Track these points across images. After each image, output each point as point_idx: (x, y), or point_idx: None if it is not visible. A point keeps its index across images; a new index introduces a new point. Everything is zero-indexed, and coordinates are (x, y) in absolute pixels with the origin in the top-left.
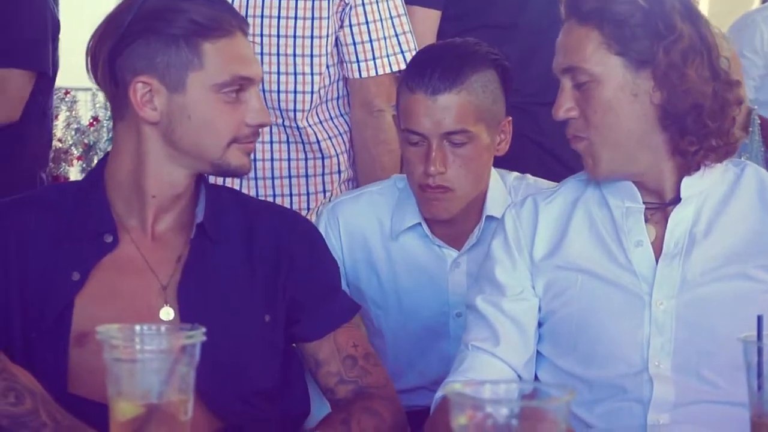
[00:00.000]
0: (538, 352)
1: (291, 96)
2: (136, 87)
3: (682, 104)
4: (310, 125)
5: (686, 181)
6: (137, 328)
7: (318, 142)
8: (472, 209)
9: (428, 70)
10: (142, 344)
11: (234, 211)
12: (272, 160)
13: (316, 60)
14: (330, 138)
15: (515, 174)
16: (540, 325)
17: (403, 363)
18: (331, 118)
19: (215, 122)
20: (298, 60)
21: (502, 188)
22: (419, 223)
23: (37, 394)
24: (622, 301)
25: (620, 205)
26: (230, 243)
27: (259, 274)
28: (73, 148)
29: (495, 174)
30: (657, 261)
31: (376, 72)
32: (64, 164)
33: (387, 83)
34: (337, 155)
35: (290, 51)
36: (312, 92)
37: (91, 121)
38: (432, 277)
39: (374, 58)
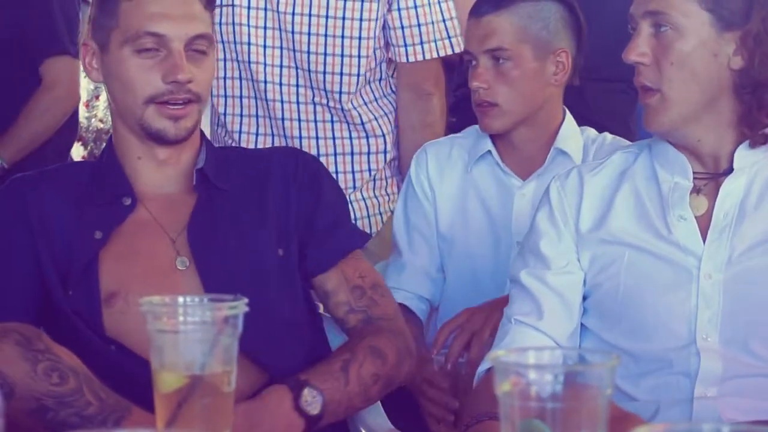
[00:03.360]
0: (582, 325)
1: (337, 78)
2: (84, 50)
3: (763, 75)
4: (354, 107)
5: (740, 152)
6: (180, 299)
7: (362, 123)
8: (542, 142)
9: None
10: (185, 315)
11: (241, 162)
12: (317, 138)
13: (363, 43)
14: (375, 119)
15: (593, 131)
16: (585, 298)
17: (460, 297)
18: (376, 99)
19: (131, 80)
20: (346, 42)
21: (575, 129)
22: (490, 152)
23: (80, 373)
24: (670, 274)
25: (669, 180)
26: (239, 189)
27: (269, 212)
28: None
29: (570, 118)
30: (704, 233)
31: (424, 57)
32: (104, 144)
33: (434, 67)
34: (384, 135)
35: (338, 32)
36: (358, 75)
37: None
38: (498, 206)
39: (422, 43)
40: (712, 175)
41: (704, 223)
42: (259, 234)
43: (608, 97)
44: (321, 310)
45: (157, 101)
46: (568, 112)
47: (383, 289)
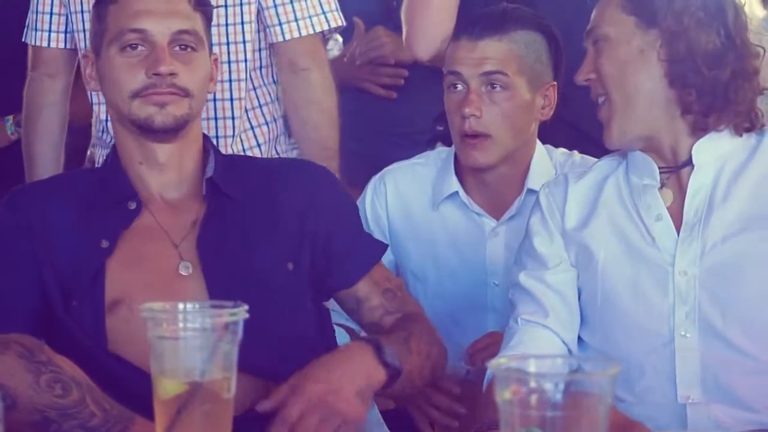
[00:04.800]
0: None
1: (225, 66)
2: (84, 62)
3: (681, 55)
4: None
5: (699, 145)
6: (180, 306)
7: (246, 111)
8: (513, 180)
9: (474, 20)
10: (185, 322)
11: (253, 171)
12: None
13: (247, 27)
14: (259, 106)
15: (562, 150)
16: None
17: (440, 334)
18: (255, 88)
19: (117, 77)
20: (230, 29)
21: (547, 162)
22: (457, 192)
23: (83, 384)
24: (645, 274)
25: (639, 182)
26: (249, 199)
27: (281, 225)
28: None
29: (541, 148)
30: (676, 228)
31: (300, 33)
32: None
33: (311, 43)
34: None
35: (222, 21)
36: (246, 60)
37: (108, 109)
38: (470, 247)
39: (296, 20)
40: (673, 168)
41: (673, 216)
42: (270, 246)
43: (593, 103)
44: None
45: (141, 94)
46: (538, 142)
47: (404, 287)
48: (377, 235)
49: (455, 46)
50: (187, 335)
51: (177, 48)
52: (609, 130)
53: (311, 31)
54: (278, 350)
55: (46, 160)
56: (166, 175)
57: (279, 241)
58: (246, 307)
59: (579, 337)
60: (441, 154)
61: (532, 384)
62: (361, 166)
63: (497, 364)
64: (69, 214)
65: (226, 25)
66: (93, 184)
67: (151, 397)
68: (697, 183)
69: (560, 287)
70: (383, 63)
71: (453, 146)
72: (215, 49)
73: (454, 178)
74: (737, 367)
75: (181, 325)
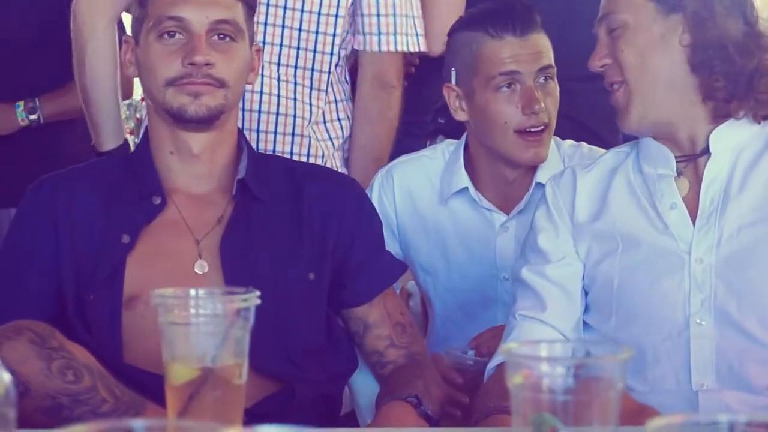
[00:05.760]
0: (584, 322)
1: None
2: (124, 47)
3: (709, 42)
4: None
5: (716, 133)
6: (192, 292)
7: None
8: (525, 173)
9: (508, 16)
10: (197, 308)
11: (281, 174)
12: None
13: (340, 21)
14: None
15: (570, 142)
16: (585, 294)
17: (451, 328)
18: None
19: (153, 65)
20: (322, 19)
21: (556, 155)
22: (467, 188)
23: (94, 370)
24: (661, 262)
25: (653, 172)
26: (277, 203)
27: (305, 233)
28: (124, 122)
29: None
30: (691, 216)
31: (396, 48)
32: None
33: (399, 61)
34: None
35: (315, 8)
36: (334, 35)
37: (144, 96)
38: (480, 241)
39: (395, 33)
40: (689, 157)
41: (689, 204)
42: (294, 254)
43: (597, 97)
44: None
45: (177, 83)
46: None
47: (416, 328)
48: (385, 230)
49: (501, 45)
50: (198, 321)
51: (215, 37)
52: (627, 115)
53: (405, 49)
54: (291, 354)
55: (101, 104)
56: (196, 166)
57: (303, 250)
58: (258, 293)
59: (589, 326)
60: (449, 146)
61: (544, 368)
62: None
63: (508, 349)
64: (93, 206)
65: (319, 14)
66: (120, 175)
67: (164, 399)
68: (713, 172)
69: (562, 281)
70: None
71: (462, 139)
72: (303, 35)
73: (464, 173)
74: (752, 355)
75: (192, 311)
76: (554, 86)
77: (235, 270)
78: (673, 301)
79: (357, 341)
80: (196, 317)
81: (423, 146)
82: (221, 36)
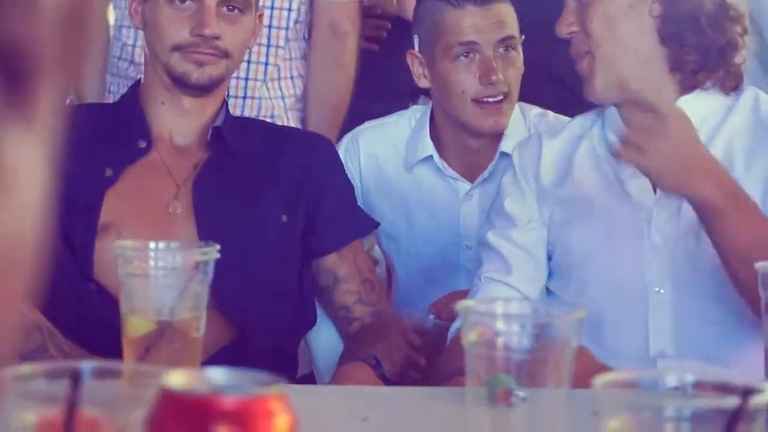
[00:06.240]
0: (546, 289)
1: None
2: None
3: (681, 14)
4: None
5: (680, 103)
6: (152, 244)
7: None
8: (488, 142)
9: None
10: (156, 260)
11: (257, 129)
12: None
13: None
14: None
15: (537, 110)
16: (549, 259)
17: (414, 294)
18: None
19: (161, 27)
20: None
21: (521, 123)
22: (431, 156)
23: (44, 328)
24: (621, 230)
25: (617, 140)
26: (251, 153)
27: (278, 180)
28: None
29: (515, 109)
30: (653, 185)
31: None
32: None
33: (354, 6)
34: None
35: None
36: (289, 9)
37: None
38: (444, 209)
39: None
40: None
41: None
42: (264, 196)
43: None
44: None
45: (183, 50)
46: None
47: (383, 286)
48: None
49: (460, 15)
50: (158, 273)
51: (224, 8)
52: (592, 84)
53: None
54: (258, 296)
55: None
56: (184, 120)
57: (275, 194)
58: (217, 246)
59: (550, 291)
60: (415, 113)
61: (499, 326)
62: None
63: (465, 306)
64: (80, 140)
65: None
66: (109, 117)
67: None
68: None
69: (527, 245)
70: (368, 14)
71: (428, 106)
72: None
73: (429, 141)
74: (710, 324)
75: (152, 263)
76: (516, 56)
77: (206, 211)
78: (631, 269)
79: (326, 296)
80: (155, 270)
81: (404, 108)
82: (230, 7)
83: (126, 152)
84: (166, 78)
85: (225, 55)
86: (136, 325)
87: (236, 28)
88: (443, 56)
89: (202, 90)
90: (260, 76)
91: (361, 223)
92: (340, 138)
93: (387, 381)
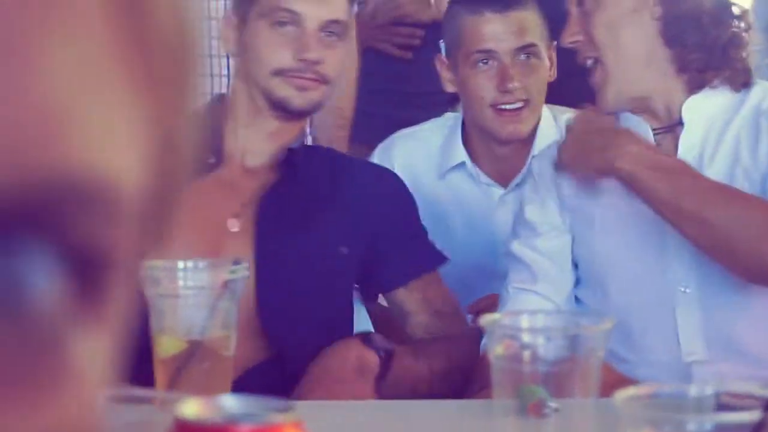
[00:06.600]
0: (576, 297)
1: None
2: (224, 23)
3: (682, 14)
4: None
5: (689, 103)
6: (180, 263)
7: None
8: (522, 146)
9: None
10: (185, 280)
11: (327, 158)
12: None
13: None
14: None
15: (570, 114)
16: (576, 266)
17: None
18: None
19: (262, 51)
20: None
21: (552, 127)
22: (464, 162)
23: None
24: (642, 233)
25: None
26: (318, 180)
27: (342, 210)
28: None
29: (547, 112)
30: None
31: None
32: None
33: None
34: None
35: None
36: None
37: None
38: (480, 216)
39: None
40: (667, 128)
41: None
42: (326, 225)
43: None
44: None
45: (285, 75)
46: (545, 105)
47: (460, 314)
48: None
49: (479, 22)
50: (187, 293)
51: (323, 34)
52: (604, 94)
53: None
54: (302, 322)
55: None
56: (263, 143)
57: (337, 225)
58: (246, 264)
59: (578, 299)
60: (448, 121)
61: (525, 339)
62: (372, 125)
63: (490, 319)
64: None
65: None
66: None
67: None
68: (688, 142)
69: (551, 252)
70: (399, 22)
71: (460, 113)
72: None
73: (461, 147)
74: (740, 320)
75: (180, 283)
76: (538, 63)
77: (267, 232)
78: (655, 271)
79: (397, 325)
80: (184, 289)
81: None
82: (329, 33)
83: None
84: (264, 102)
85: (325, 80)
86: (166, 346)
87: (335, 53)
88: (464, 62)
89: (301, 115)
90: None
91: (429, 258)
92: (350, 140)
93: (379, 357)
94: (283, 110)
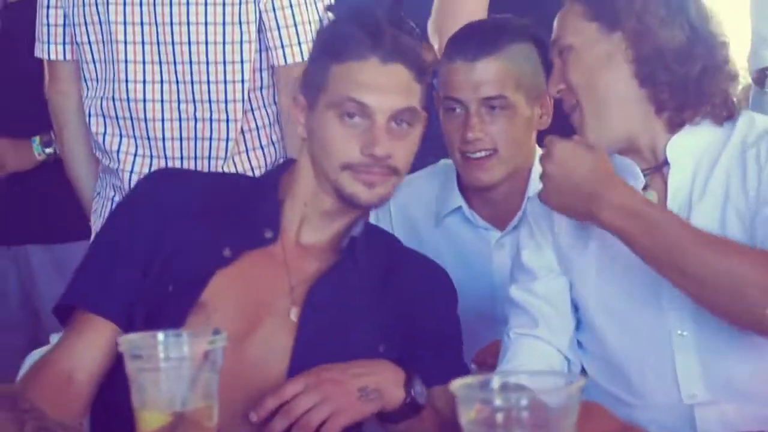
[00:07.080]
0: (578, 342)
1: (222, 86)
2: (294, 103)
3: (649, 54)
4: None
5: (672, 142)
6: (160, 336)
7: (242, 132)
8: (515, 190)
9: (467, 38)
10: (166, 352)
11: (384, 246)
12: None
13: (246, 47)
14: (257, 128)
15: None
16: (576, 309)
17: None
18: (252, 110)
19: (330, 144)
20: (228, 48)
21: None
22: (461, 207)
23: (69, 427)
24: (636, 276)
25: None
26: (372, 270)
27: (385, 306)
28: None
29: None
30: None
31: (302, 58)
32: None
33: None
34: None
35: (219, 39)
36: (243, 81)
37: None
38: (477, 260)
39: (299, 43)
40: (654, 168)
41: None
42: (369, 322)
43: None
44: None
45: (353, 169)
46: (538, 148)
47: None
48: None
49: (451, 69)
50: (167, 365)
51: (393, 124)
52: (584, 135)
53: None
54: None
55: (84, 180)
56: (321, 222)
57: (378, 321)
58: (225, 334)
59: (579, 343)
60: (444, 167)
61: (498, 402)
62: None
63: (459, 384)
64: (206, 209)
65: (224, 43)
66: (242, 193)
67: None
68: (676, 181)
69: (549, 296)
70: None
71: None
72: (211, 68)
73: (457, 193)
74: (738, 358)
75: (161, 355)
76: (507, 114)
77: (312, 320)
78: (652, 315)
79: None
80: (165, 361)
81: None
82: (399, 122)
83: (249, 237)
84: (332, 192)
85: (395, 173)
86: (149, 420)
87: (406, 142)
88: (442, 107)
89: (368, 209)
90: (222, 154)
91: (457, 370)
92: None
93: (408, 395)
94: (351, 205)
